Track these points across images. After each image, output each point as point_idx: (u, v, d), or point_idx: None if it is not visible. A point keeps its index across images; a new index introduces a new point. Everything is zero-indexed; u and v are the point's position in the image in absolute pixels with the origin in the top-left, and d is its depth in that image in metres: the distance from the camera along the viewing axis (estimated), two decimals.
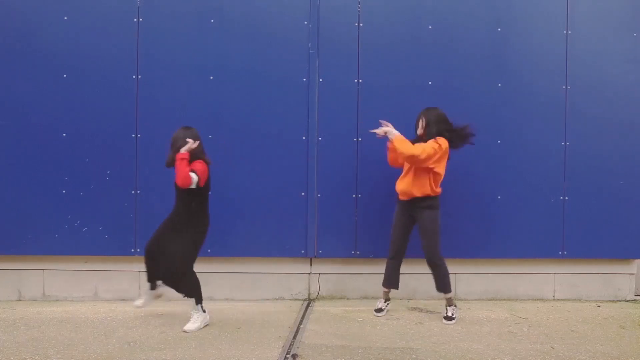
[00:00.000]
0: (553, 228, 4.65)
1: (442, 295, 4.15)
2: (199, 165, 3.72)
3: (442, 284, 4.09)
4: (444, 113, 4.05)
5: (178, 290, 3.85)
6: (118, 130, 4.55)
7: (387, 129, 3.98)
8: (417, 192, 3.99)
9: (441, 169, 4.00)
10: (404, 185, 4.05)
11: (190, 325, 3.81)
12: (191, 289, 3.84)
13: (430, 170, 3.95)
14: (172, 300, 4.46)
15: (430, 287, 4.68)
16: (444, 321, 4.03)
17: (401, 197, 4.11)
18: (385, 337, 3.64)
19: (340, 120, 4.60)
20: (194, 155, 3.75)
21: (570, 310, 4.43)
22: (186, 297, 3.85)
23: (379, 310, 4.24)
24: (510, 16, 4.68)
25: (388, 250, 4.21)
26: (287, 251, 4.60)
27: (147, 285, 4.03)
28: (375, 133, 4.03)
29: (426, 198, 4.00)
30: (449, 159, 4.06)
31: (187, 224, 3.80)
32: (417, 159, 3.85)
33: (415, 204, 4.04)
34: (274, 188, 4.57)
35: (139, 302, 4.03)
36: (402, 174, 4.12)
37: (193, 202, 3.79)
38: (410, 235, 4.18)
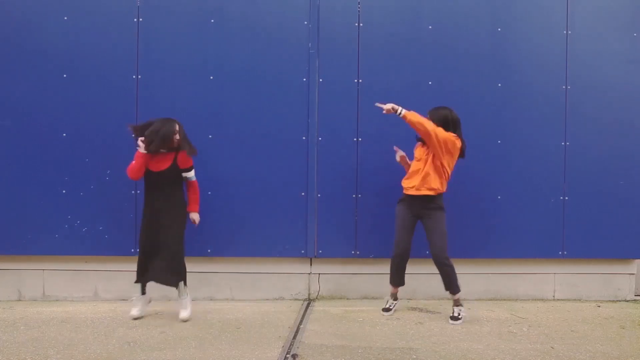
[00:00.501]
0: (553, 228, 4.65)
1: (449, 295, 4.15)
2: (190, 160, 4.06)
3: (451, 284, 4.08)
4: (447, 114, 3.99)
5: (176, 280, 3.94)
6: (118, 130, 4.54)
7: (395, 106, 3.88)
8: (429, 189, 3.97)
9: (450, 164, 4.00)
10: (415, 181, 4.00)
11: (187, 312, 3.96)
12: (185, 272, 4.01)
13: (441, 167, 3.95)
14: (172, 300, 4.46)
15: (430, 287, 4.70)
16: (450, 321, 4.03)
17: (410, 192, 4.03)
18: (385, 337, 3.64)
19: (340, 120, 4.60)
20: (178, 146, 4.00)
21: (570, 310, 4.43)
22: (176, 286, 3.97)
23: (387, 309, 4.25)
24: (510, 16, 4.68)
25: (393, 250, 4.16)
26: (287, 251, 4.60)
27: (138, 291, 4.07)
28: (381, 108, 3.93)
29: (434, 197, 4.00)
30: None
31: (184, 207, 4.09)
32: (430, 132, 3.81)
33: (423, 204, 4.02)
34: (274, 188, 4.57)
35: (134, 312, 4.06)
36: (411, 172, 4.08)
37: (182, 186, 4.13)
38: (414, 234, 4.17)
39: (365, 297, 4.69)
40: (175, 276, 3.94)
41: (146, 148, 3.87)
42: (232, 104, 4.58)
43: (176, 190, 4.04)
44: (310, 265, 4.71)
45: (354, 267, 4.70)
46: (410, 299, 4.65)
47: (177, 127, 3.95)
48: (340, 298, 4.70)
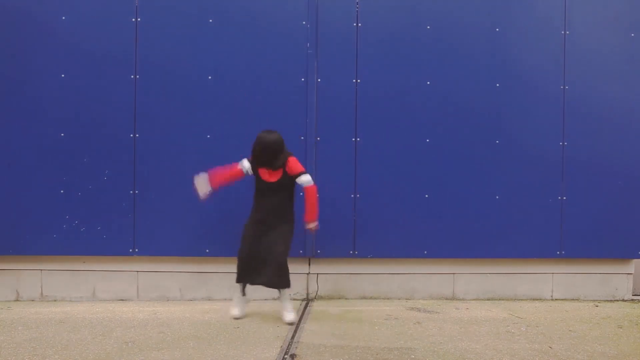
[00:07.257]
0: (551, 228, 4.66)
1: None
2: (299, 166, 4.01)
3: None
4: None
5: (281, 285, 3.92)
6: (116, 130, 4.54)
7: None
8: None
9: None
10: None
11: (293, 315, 3.95)
12: (289, 277, 3.96)
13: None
14: (170, 300, 4.46)
15: (428, 287, 4.70)
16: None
17: None
18: (383, 337, 3.64)
19: (338, 120, 4.60)
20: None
21: (568, 310, 4.43)
22: (281, 290, 3.96)
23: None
24: (508, 16, 4.68)
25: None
26: None
27: (238, 292, 4.05)
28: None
29: None
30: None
31: (292, 213, 4.09)
32: None
33: None
34: None
35: (235, 312, 4.06)
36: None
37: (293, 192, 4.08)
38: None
39: (364, 297, 4.69)
40: (280, 279, 3.90)
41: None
42: (230, 103, 4.58)
43: (292, 196, 4.07)
44: (309, 265, 4.71)
45: (353, 267, 4.70)
46: (408, 299, 4.65)
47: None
48: (339, 298, 4.70)
